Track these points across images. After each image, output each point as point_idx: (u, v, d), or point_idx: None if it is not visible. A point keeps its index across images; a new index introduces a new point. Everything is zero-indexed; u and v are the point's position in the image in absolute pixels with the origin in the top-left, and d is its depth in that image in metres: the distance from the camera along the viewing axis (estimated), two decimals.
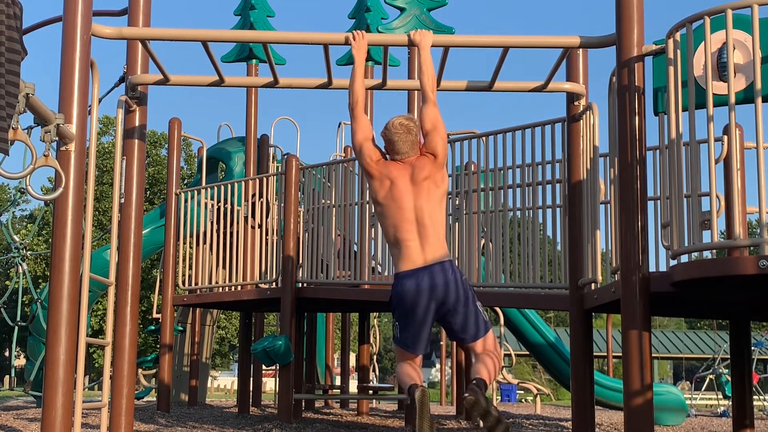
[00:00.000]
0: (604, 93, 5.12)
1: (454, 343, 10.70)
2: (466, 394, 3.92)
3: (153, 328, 10.70)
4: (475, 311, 4.24)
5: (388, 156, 4.42)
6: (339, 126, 12.15)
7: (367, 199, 7.52)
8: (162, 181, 31.44)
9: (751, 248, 4.37)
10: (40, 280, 27.98)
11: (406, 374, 4.23)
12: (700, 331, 37.24)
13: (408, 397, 4.03)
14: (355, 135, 4.42)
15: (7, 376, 17.92)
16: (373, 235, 7.74)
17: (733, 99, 3.93)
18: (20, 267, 10.15)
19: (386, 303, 8.10)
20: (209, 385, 28.98)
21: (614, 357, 16.06)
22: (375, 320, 14.76)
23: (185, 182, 28.31)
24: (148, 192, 31.96)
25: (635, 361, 4.22)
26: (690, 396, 15.44)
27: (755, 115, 3.84)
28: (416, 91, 7.79)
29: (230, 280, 8.82)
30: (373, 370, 14.95)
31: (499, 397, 17.68)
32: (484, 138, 6.63)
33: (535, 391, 12.85)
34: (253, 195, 9.28)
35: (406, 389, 4.11)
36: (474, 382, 4.02)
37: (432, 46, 4.69)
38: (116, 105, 5.34)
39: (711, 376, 15.07)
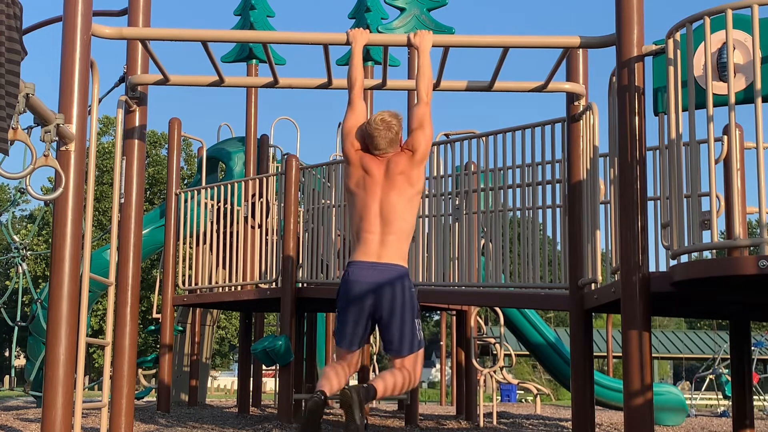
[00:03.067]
0: (604, 93, 5.12)
1: (454, 343, 10.70)
2: (345, 388, 3.84)
3: (153, 328, 10.70)
4: (411, 328, 4.12)
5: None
6: (339, 126, 12.14)
7: None
8: (162, 181, 31.44)
9: (751, 248, 4.37)
10: (40, 280, 27.98)
11: (323, 376, 4.10)
12: (700, 331, 37.22)
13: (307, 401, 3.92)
14: (346, 119, 4.39)
15: (7, 376, 17.93)
16: None
17: (733, 99, 3.93)
18: (20, 267, 10.15)
19: None
20: (209, 385, 28.97)
21: (614, 357, 16.06)
22: None
23: (185, 182, 28.31)
24: (148, 192, 31.97)
25: (635, 361, 4.22)
26: (690, 396, 15.44)
27: (755, 115, 3.84)
28: (415, 92, 7.78)
29: (230, 280, 8.82)
30: (373, 370, 14.94)
31: (499, 397, 17.68)
32: (484, 138, 6.63)
33: (535, 391, 12.84)
34: (253, 195, 9.28)
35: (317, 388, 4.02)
36: (364, 385, 3.94)
37: (433, 46, 4.68)
38: (116, 105, 5.34)
39: (711, 376, 15.07)
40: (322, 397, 3.88)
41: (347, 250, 7.73)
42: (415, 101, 4.47)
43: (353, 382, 4.28)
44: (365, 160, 4.28)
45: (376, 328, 4.26)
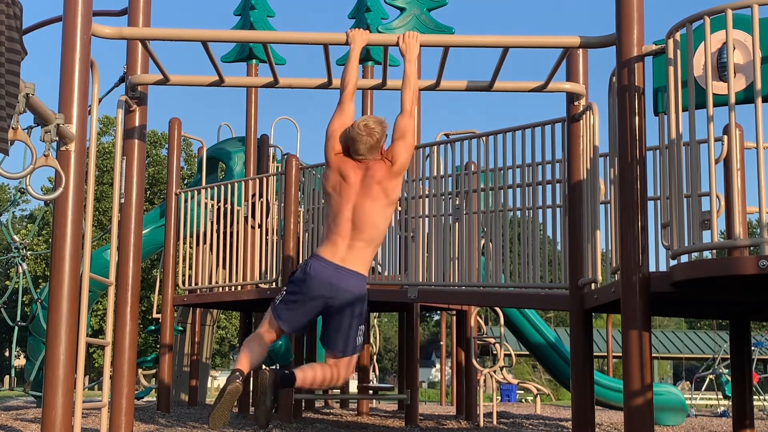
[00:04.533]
0: (604, 93, 5.12)
1: (454, 343, 10.70)
2: (264, 369, 3.95)
3: (153, 328, 10.70)
4: (354, 333, 4.20)
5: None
6: None
7: None
8: (162, 181, 31.44)
9: (751, 248, 4.37)
10: (40, 280, 27.97)
11: (246, 350, 4.17)
12: (700, 331, 37.22)
13: (227, 379, 4.00)
14: (332, 120, 4.39)
15: (7, 376, 17.92)
16: None
17: (733, 99, 3.93)
18: (20, 267, 10.15)
19: (386, 303, 8.11)
20: (209, 385, 28.96)
21: (614, 357, 16.06)
22: (375, 320, 14.75)
23: (185, 182, 28.30)
24: (148, 192, 31.95)
25: (635, 361, 4.22)
26: (690, 396, 15.45)
27: (755, 115, 3.84)
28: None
29: (230, 280, 8.82)
30: (373, 370, 14.94)
31: (499, 397, 17.68)
32: (484, 138, 6.63)
33: (535, 391, 12.85)
34: (253, 195, 9.28)
35: (233, 368, 4.07)
36: (285, 371, 4.04)
37: (432, 46, 4.67)
38: (116, 105, 5.34)
39: (711, 376, 15.07)
40: (239, 379, 3.97)
41: None
42: (400, 108, 4.41)
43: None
44: (343, 165, 4.29)
45: (318, 320, 4.35)
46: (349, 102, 4.42)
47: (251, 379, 3.87)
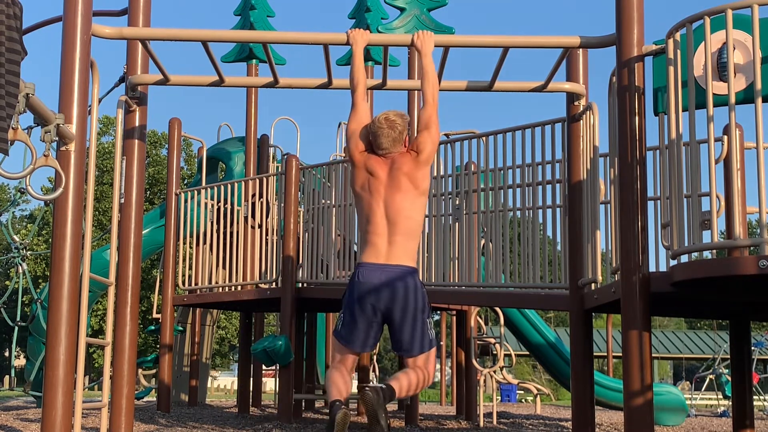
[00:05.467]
0: (604, 93, 5.12)
1: (454, 343, 10.70)
2: (366, 389, 3.82)
3: (153, 328, 10.69)
4: (422, 328, 4.13)
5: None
6: (339, 126, 12.14)
7: None
8: (162, 181, 31.44)
9: (751, 248, 4.37)
10: (40, 280, 27.97)
11: (333, 384, 4.07)
12: (700, 331, 37.24)
13: (329, 413, 3.88)
14: (350, 121, 4.40)
15: (7, 376, 17.92)
16: None
17: (733, 99, 3.93)
18: (20, 267, 10.14)
19: None
20: (209, 385, 28.97)
21: (614, 357, 16.06)
22: None
23: (185, 182, 28.30)
24: (148, 192, 31.96)
25: (635, 361, 4.22)
26: (690, 396, 15.44)
27: (755, 115, 3.84)
28: (416, 91, 7.79)
29: (230, 280, 8.82)
30: (373, 370, 14.93)
31: (499, 397, 17.68)
32: (484, 138, 6.63)
33: (535, 391, 12.85)
34: (253, 195, 9.28)
35: (329, 401, 3.97)
36: (382, 386, 3.93)
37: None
38: (116, 105, 5.34)
39: (711, 376, 15.07)
40: (343, 406, 3.86)
41: (347, 250, 7.73)
42: (423, 103, 4.45)
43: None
44: (369, 161, 4.28)
45: (390, 331, 4.25)
46: (362, 101, 4.42)
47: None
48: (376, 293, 4.08)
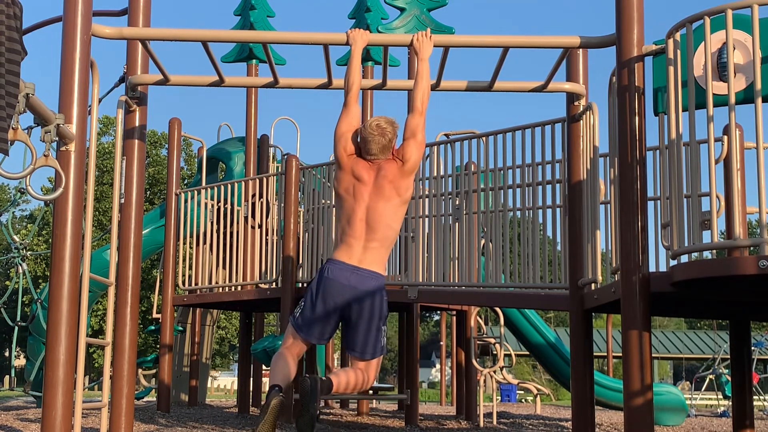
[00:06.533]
0: (604, 93, 5.12)
1: (454, 343, 10.70)
2: (306, 376, 3.90)
3: (153, 328, 10.70)
4: (377, 335, 4.20)
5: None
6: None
7: None
8: (162, 181, 31.43)
9: (751, 248, 4.37)
10: (40, 280, 27.97)
11: (278, 368, 4.13)
12: (700, 331, 37.22)
13: (266, 396, 3.94)
14: (340, 122, 4.40)
15: (7, 376, 17.92)
16: None
17: (733, 99, 3.93)
18: (20, 267, 10.15)
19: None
20: (209, 385, 28.97)
21: (614, 357, 16.05)
22: None
23: (185, 182, 28.30)
24: (148, 192, 31.95)
25: (635, 361, 4.22)
26: (690, 396, 15.44)
27: (755, 115, 3.84)
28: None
29: (230, 280, 8.82)
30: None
31: (499, 398, 17.68)
32: (484, 138, 6.63)
33: (535, 391, 12.85)
34: (253, 195, 9.28)
35: (269, 384, 4.03)
36: (322, 377, 3.99)
37: (433, 45, 4.67)
38: (116, 105, 5.34)
39: (711, 376, 15.07)
40: (280, 394, 3.92)
41: None
42: (410, 109, 4.44)
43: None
44: (357, 166, 4.30)
45: (344, 330, 4.31)
46: (354, 103, 4.43)
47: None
48: (342, 293, 4.13)
